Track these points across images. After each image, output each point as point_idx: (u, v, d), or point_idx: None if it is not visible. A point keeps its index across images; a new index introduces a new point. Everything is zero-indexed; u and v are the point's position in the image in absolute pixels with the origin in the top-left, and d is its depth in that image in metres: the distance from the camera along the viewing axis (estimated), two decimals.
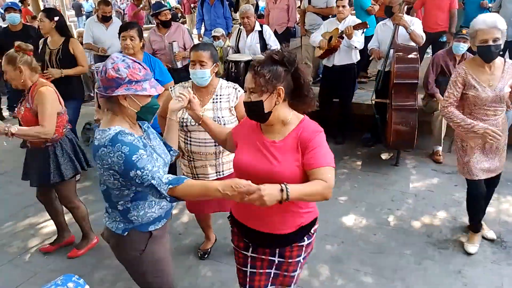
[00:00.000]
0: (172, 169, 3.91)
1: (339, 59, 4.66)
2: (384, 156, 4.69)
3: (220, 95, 2.62)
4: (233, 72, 4.74)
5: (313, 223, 1.90)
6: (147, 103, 1.77)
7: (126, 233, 1.87)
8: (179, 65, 4.91)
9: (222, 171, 2.71)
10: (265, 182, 1.56)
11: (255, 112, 1.75)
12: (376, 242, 3.22)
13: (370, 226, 3.41)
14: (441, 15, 5.54)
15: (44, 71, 4.02)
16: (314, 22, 5.88)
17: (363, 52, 5.06)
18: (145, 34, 4.59)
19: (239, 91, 2.65)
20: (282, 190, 1.53)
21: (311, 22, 5.96)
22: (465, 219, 3.43)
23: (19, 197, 4.07)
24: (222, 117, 2.57)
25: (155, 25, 5.17)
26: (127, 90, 1.68)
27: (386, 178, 4.21)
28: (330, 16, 5.55)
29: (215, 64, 2.56)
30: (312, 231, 1.91)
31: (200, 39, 7.24)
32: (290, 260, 1.90)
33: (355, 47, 4.52)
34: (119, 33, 3.37)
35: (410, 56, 4.23)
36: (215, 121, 2.48)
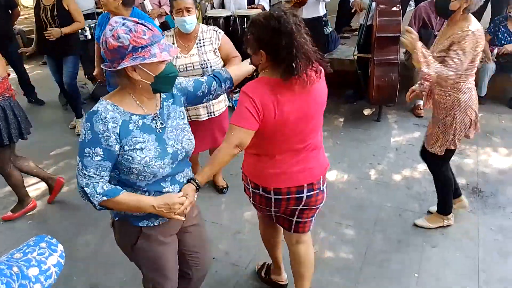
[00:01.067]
0: None
1: (307, 12, 4.54)
2: (366, 112, 4.70)
3: (203, 39, 2.76)
4: None
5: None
6: (161, 72, 1.48)
7: (117, 219, 1.71)
8: (156, 23, 4.73)
9: (213, 111, 2.89)
10: None
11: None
12: (357, 196, 3.28)
13: (352, 181, 3.47)
14: None
15: (44, 32, 4.06)
16: None
17: (346, 4, 4.94)
18: None
19: (219, 32, 2.78)
20: (196, 188, 1.68)
21: None
22: None
23: None
24: (208, 60, 2.73)
25: None
26: (133, 59, 1.41)
27: (368, 133, 4.23)
28: None
29: (196, 9, 2.68)
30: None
31: None
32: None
33: (324, 0, 4.44)
34: None
35: (392, 8, 4.15)
36: (201, 65, 2.68)
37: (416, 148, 3.87)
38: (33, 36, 7.11)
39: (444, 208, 2.85)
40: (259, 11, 4.67)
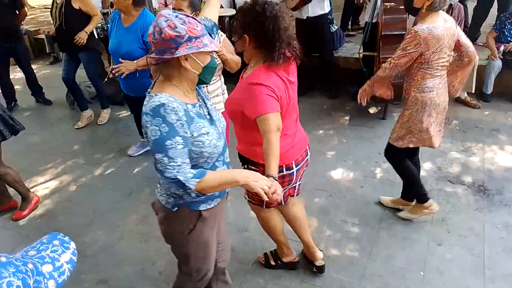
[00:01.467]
0: None
1: (312, 10, 4.55)
2: (372, 110, 4.70)
3: None
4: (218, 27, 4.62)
5: None
6: (208, 62, 1.58)
7: (176, 208, 1.72)
8: None
9: None
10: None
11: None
12: (363, 194, 3.29)
13: (357, 179, 3.48)
14: None
15: (74, 38, 4.26)
16: None
17: (351, 2, 4.95)
18: None
19: (221, 35, 2.73)
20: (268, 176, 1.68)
21: None
22: (450, 169, 3.51)
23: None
24: None
25: None
26: (188, 49, 1.47)
27: (373, 131, 4.24)
28: None
29: (194, 12, 2.60)
30: None
31: None
32: None
33: None
34: None
35: (397, 6, 4.14)
36: None
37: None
38: (40, 36, 7.22)
39: (419, 197, 2.88)
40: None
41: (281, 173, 2.05)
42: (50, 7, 4.44)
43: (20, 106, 5.38)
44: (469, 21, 5.61)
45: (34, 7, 10.94)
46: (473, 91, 4.51)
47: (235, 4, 4.92)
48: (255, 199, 2.26)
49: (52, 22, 4.49)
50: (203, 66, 1.56)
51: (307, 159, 2.23)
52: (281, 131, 1.88)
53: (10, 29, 4.81)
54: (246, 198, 2.33)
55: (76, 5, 4.22)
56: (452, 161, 3.63)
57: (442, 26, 2.39)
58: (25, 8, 5.23)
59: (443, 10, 2.47)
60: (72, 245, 1.16)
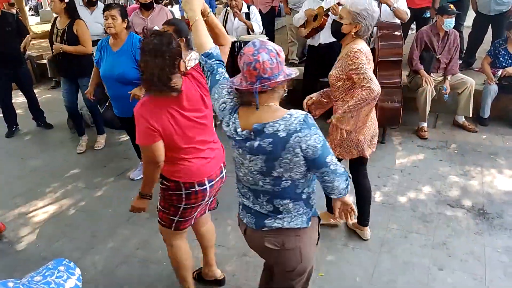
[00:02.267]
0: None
1: (324, 37, 4.64)
2: None
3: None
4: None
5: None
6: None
7: (310, 222, 1.77)
8: None
9: None
10: None
11: None
12: None
13: None
14: None
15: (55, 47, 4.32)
16: (298, 0, 5.84)
17: None
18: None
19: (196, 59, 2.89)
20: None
21: (295, 1, 5.93)
22: (450, 193, 3.53)
23: (8, 186, 4.07)
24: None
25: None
26: (288, 69, 1.60)
27: (372, 155, 4.21)
28: None
29: (180, 38, 2.64)
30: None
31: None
32: None
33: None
34: (103, 13, 3.47)
35: (393, 33, 4.24)
36: None
37: (421, 170, 3.92)
38: (42, 61, 7.33)
39: (360, 219, 3.02)
40: (264, 36, 4.80)
41: (194, 189, 2.16)
42: (50, 32, 4.49)
43: (21, 130, 5.42)
44: (464, 47, 5.74)
45: (37, 33, 11.12)
46: (471, 115, 4.59)
47: (226, 30, 5.03)
48: (164, 220, 2.33)
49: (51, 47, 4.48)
50: (285, 89, 1.69)
51: (222, 175, 2.31)
52: (189, 149, 2.10)
53: (13, 55, 4.90)
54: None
55: (74, 29, 4.29)
56: (451, 185, 3.65)
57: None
58: (29, 35, 5.32)
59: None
60: (77, 271, 1.17)
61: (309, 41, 4.83)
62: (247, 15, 4.99)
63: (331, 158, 1.60)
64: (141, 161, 4.07)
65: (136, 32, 4.82)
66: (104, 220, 3.46)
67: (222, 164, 2.32)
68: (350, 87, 2.60)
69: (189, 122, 2.08)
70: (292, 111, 1.59)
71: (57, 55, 4.37)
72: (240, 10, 4.92)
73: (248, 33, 5.03)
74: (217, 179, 2.27)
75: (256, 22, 5.01)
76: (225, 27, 5.05)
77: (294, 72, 1.61)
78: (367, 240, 3.02)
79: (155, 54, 1.88)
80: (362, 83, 2.47)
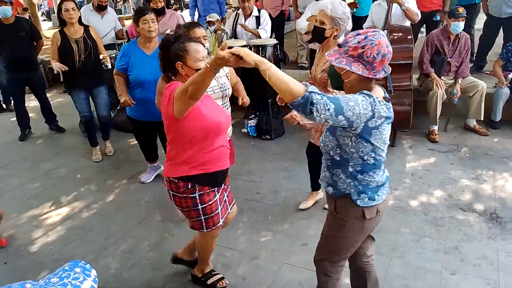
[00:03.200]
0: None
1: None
2: None
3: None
4: None
5: None
6: None
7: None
8: None
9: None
10: None
11: None
12: None
13: None
14: None
15: (102, 56, 4.22)
16: (307, 4, 5.85)
17: None
18: None
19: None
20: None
21: (304, 5, 5.93)
22: (461, 197, 3.50)
23: (21, 189, 4.12)
24: (224, 83, 2.96)
25: None
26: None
27: None
28: None
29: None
30: None
31: None
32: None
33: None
34: (137, 18, 3.46)
35: (404, 36, 4.23)
36: (220, 88, 2.94)
37: (432, 173, 3.90)
38: None
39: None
40: (274, 40, 4.82)
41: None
42: (61, 44, 4.18)
43: (34, 133, 5.49)
44: (475, 50, 5.70)
45: (48, 38, 11.26)
46: (482, 119, 4.55)
47: (236, 34, 5.07)
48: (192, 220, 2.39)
49: (63, 58, 4.22)
50: None
51: None
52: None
53: (27, 59, 4.98)
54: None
55: (93, 36, 4.27)
56: (463, 189, 3.62)
57: None
58: (42, 40, 5.40)
59: None
60: (93, 272, 1.19)
61: (312, 46, 4.83)
62: (258, 19, 5.02)
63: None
64: (150, 164, 4.10)
65: None
66: (116, 223, 3.49)
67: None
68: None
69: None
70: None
71: (78, 64, 4.18)
72: (251, 14, 4.94)
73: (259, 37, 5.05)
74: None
75: (264, 28, 5.03)
76: (235, 30, 5.08)
77: None
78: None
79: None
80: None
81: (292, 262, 2.88)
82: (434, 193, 3.59)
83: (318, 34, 2.80)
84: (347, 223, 1.94)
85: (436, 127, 4.54)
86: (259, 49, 4.62)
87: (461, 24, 4.34)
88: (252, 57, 1.63)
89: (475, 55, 5.67)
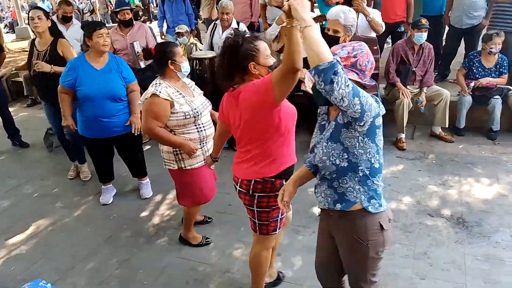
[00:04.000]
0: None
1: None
2: None
3: (189, 83, 3.03)
4: (198, 70, 4.72)
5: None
6: None
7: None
8: (142, 65, 4.85)
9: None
10: None
11: None
12: None
13: None
14: (399, 6, 5.67)
15: (35, 62, 3.92)
16: (276, 15, 5.91)
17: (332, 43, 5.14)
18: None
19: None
20: None
21: (273, 16, 5.97)
22: (429, 203, 3.58)
23: None
24: (206, 99, 3.00)
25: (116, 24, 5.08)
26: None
27: None
28: None
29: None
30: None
31: (163, 37, 7.15)
32: None
33: None
34: (91, 32, 3.36)
35: (370, 47, 4.29)
36: (207, 103, 2.96)
37: (400, 180, 3.97)
38: (18, 79, 7.20)
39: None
40: None
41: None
42: (28, 54, 4.10)
43: None
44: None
45: (12, 50, 10.96)
46: (447, 126, 4.69)
47: (212, 45, 5.04)
48: (270, 221, 2.29)
49: (30, 71, 4.11)
50: None
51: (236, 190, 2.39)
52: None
53: None
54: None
55: (60, 50, 3.97)
56: (430, 195, 3.70)
57: None
58: (4, 52, 5.23)
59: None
60: None
61: (282, 56, 4.86)
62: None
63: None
64: (104, 186, 3.95)
65: (115, 49, 4.82)
66: (84, 240, 3.37)
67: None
68: None
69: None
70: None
71: (38, 74, 3.94)
72: (229, 26, 4.94)
73: None
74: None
75: None
76: (212, 40, 5.06)
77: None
78: None
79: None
80: None
81: None
82: (403, 199, 3.65)
83: (332, 43, 2.81)
84: (370, 242, 1.87)
85: (403, 135, 4.65)
86: None
87: (424, 35, 4.49)
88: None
89: (439, 64, 5.86)
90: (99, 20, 13.20)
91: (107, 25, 5.87)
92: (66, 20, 5.17)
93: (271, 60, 2.14)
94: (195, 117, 2.78)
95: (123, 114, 3.58)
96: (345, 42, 2.86)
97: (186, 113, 2.75)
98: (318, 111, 2.01)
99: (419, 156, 4.43)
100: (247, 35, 2.11)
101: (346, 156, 1.78)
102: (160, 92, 2.67)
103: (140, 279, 2.89)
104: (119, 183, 4.09)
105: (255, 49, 2.08)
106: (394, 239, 3.12)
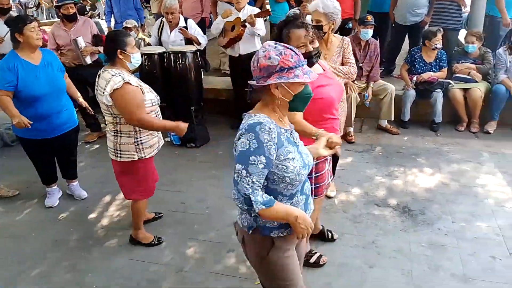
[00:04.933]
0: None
1: (244, 48, 4.72)
2: None
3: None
4: (147, 65, 4.61)
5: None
6: (299, 92, 1.66)
7: (250, 232, 1.77)
8: (88, 60, 4.67)
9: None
10: None
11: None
12: None
13: None
14: (346, 3, 5.81)
15: None
16: None
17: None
18: (48, 29, 4.30)
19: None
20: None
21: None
22: (377, 193, 3.72)
23: None
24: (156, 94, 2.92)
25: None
26: (279, 78, 1.60)
27: None
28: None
29: None
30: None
31: None
32: None
33: (258, 35, 4.63)
34: (22, 26, 3.16)
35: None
36: (157, 99, 2.85)
37: (350, 173, 4.09)
38: None
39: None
40: (193, 47, 4.76)
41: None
42: None
43: None
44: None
45: None
46: (393, 119, 4.88)
47: (161, 41, 4.94)
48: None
49: None
50: (293, 94, 1.65)
51: None
52: None
53: None
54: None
55: None
56: (378, 186, 3.84)
57: None
58: None
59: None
60: None
61: (229, 52, 4.86)
62: (185, 29, 4.91)
63: (240, 170, 1.61)
64: (48, 188, 3.78)
65: (58, 45, 4.62)
66: (30, 245, 3.21)
67: None
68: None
69: None
70: (260, 115, 1.67)
71: None
72: (177, 25, 4.83)
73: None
74: None
75: (203, 36, 4.94)
76: (160, 39, 4.94)
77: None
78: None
79: None
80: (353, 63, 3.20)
81: (218, 270, 2.85)
82: (352, 191, 3.77)
83: (317, 29, 2.92)
84: None
85: (352, 129, 4.79)
86: (179, 56, 4.55)
87: (370, 31, 4.64)
88: None
89: (385, 60, 6.08)
90: (34, 16, 12.53)
91: (48, 20, 5.60)
92: (3, 12, 4.90)
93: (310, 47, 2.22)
94: (157, 104, 2.82)
95: (67, 110, 3.48)
96: (330, 30, 3.04)
97: (153, 100, 2.77)
98: None
99: (367, 149, 4.58)
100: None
101: None
102: (129, 80, 2.62)
103: (89, 282, 2.80)
104: (64, 185, 3.92)
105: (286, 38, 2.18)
106: (345, 230, 3.22)
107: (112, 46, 2.68)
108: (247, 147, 1.61)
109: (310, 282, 2.71)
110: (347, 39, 3.27)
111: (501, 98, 4.78)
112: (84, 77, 4.54)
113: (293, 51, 1.64)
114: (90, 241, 3.23)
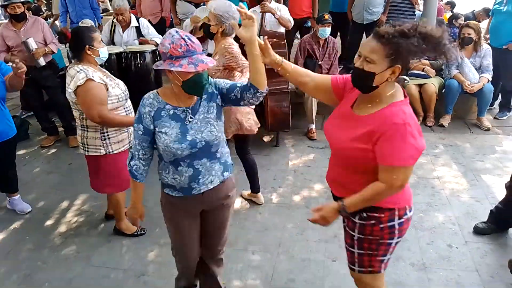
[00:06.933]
0: None
1: (213, 47, 4.68)
2: (266, 138, 4.88)
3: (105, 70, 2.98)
4: (104, 66, 4.47)
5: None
6: (187, 79, 1.80)
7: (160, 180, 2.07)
8: (41, 62, 4.48)
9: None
10: (336, 155, 1.93)
11: (362, 82, 1.71)
12: (261, 220, 3.36)
13: (255, 206, 3.55)
14: (305, 2, 5.89)
15: None
16: (187, 10, 5.81)
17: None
18: None
19: None
20: (339, 211, 1.85)
21: (184, 11, 5.88)
22: None
23: None
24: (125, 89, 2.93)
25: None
26: (169, 65, 1.77)
27: (268, 159, 4.40)
28: (202, 4, 5.55)
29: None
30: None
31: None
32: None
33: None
34: None
35: (278, 42, 4.43)
36: (124, 93, 2.83)
37: (312, 169, 4.14)
38: None
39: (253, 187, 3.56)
40: (152, 46, 4.67)
41: (406, 216, 1.84)
42: None
43: None
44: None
45: None
46: None
47: (113, 41, 4.80)
48: (374, 265, 1.95)
49: None
50: (182, 80, 1.81)
51: None
52: None
53: None
54: (355, 268, 2.05)
55: None
56: None
57: None
58: None
59: None
60: None
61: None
62: (137, 29, 4.79)
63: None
64: (9, 198, 3.60)
65: (8, 46, 4.41)
66: None
67: None
68: (228, 75, 2.99)
69: None
70: (154, 92, 1.95)
71: None
72: (128, 25, 4.71)
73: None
74: None
75: (157, 36, 4.82)
76: (112, 40, 4.81)
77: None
78: (262, 204, 3.54)
79: None
80: (241, 68, 3.00)
81: None
82: (314, 187, 3.80)
83: (206, 30, 3.07)
84: None
85: (313, 126, 4.84)
86: (137, 56, 4.45)
87: (328, 30, 4.70)
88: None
89: (344, 58, 6.19)
90: None
91: None
92: None
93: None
94: (126, 99, 2.82)
95: (3, 119, 3.23)
96: (216, 33, 3.00)
97: (119, 96, 2.76)
98: None
99: (328, 145, 4.62)
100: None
101: None
102: (92, 76, 2.61)
103: None
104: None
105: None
106: (308, 225, 3.24)
107: (79, 42, 2.68)
108: (136, 117, 1.94)
109: (274, 280, 2.72)
110: (226, 46, 2.99)
111: (454, 92, 4.97)
112: (37, 80, 4.36)
113: (186, 41, 1.76)
114: (45, 249, 3.09)
